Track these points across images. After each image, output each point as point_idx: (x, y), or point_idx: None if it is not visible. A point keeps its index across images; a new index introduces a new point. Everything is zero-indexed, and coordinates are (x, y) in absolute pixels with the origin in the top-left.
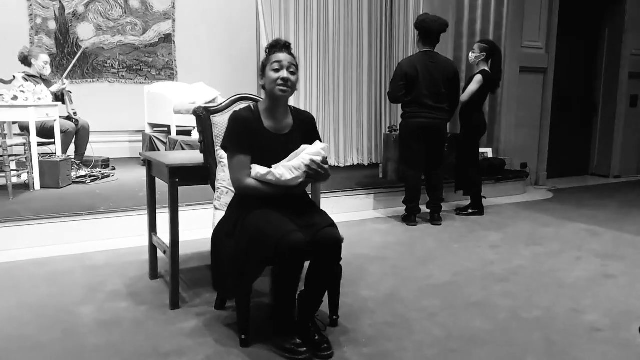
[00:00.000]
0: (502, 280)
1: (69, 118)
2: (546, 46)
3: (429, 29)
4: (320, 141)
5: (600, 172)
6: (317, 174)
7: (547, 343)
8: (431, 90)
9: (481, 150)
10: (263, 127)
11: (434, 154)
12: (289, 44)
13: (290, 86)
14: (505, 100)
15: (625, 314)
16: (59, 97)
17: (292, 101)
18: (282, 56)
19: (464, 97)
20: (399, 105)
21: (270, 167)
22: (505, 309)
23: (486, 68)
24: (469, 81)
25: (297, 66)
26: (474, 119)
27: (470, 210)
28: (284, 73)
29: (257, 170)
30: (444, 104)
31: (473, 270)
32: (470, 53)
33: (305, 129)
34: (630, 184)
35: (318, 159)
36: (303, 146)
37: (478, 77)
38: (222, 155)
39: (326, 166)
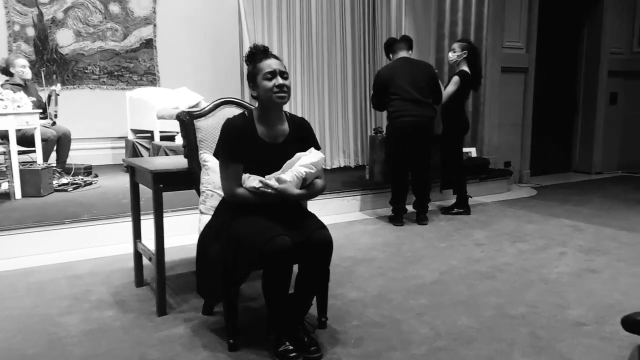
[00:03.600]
0: (488, 278)
1: (46, 118)
2: (527, 46)
3: (397, 39)
4: (318, 148)
5: (582, 168)
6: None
7: (533, 338)
8: (413, 85)
9: (465, 149)
10: (257, 135)
11: (420, 154)
12: (268, 48)
13: (287, 91)
14: (487, 101)
15: (609, 307)
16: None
17: None
18: (273, 63)
19: (442, 99)
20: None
21: (264, 177)
22: (492, 306)
23: (465, 68)
24: (449, 82)
25: (286, 69)
26: (455, 119)
27: (456, 210)
28: (279, 80)
29: (251, 183)
30: (429, 99)
31: (459, 268)
32: (450, 53)
33: (301, 136)
34: (611, 180)
35: (311, 172)
36: (297, 154)
37: (455, 79)
38: (205, 158)
39: (319, 182)
